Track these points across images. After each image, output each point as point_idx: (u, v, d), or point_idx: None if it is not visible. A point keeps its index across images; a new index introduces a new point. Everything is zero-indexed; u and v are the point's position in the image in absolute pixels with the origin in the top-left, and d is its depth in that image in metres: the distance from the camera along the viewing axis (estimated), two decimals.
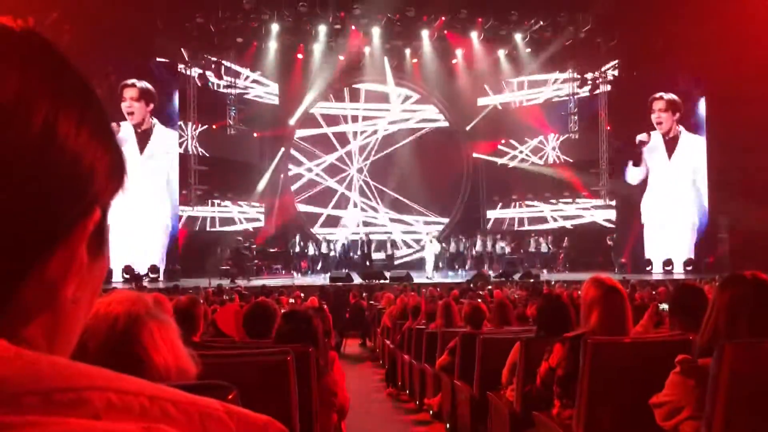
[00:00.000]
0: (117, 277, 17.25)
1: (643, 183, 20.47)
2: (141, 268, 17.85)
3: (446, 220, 24.29)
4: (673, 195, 19.98)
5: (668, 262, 19.39)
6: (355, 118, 24.23)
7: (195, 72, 20.81)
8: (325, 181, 23.79)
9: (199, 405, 0.46)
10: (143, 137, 18.61)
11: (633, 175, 20.56)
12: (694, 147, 20.00)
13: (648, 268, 19.39)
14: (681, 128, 20.08)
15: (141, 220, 18.49)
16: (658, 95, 20.06)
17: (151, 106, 18.66)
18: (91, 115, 0.48)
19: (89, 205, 0.48)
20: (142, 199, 18.47)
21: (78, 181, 0.47)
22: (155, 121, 18.82)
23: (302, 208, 23.68)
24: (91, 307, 0.53)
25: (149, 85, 18.64)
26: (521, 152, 24.02)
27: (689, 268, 19.10)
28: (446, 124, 24.66)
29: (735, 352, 2.05)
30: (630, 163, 20.52)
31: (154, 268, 18.23)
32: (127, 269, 17.59)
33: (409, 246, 23.71)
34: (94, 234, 0.49)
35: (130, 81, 18.39)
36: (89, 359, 1.05)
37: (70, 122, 0.46)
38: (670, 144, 20.17)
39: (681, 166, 20.05)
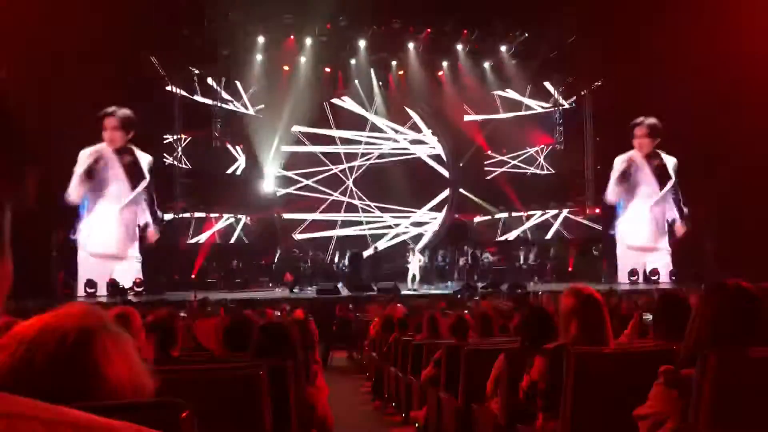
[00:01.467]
0: (102, 291, 17.11)
1: (627, 194, 20.63)
2: (125, 281, 17.69)
3: (433, 215, 24.31)
4: (656, 206, 20.18)
5: (654, 272, 19.47)
6: (344, 140, 24.22)
7: (179, 84, 20.72)
8: (313, 193, 23.70)
9: (102, 428, 0.41)
10: (123, 161, 18.51)
11: (613, 192, 20.73)
12: (670, 168, 20.27)
13: (634, 278, 19.46)
14: (662, 153, 20.27)
15: (123, 233, 18.38)
16: (639, 120, 20.24)
17: (131, 134, 18.46)
18: None
19: None
20: (125, 213, 18.39)
21: None
22: (134, 147, 18.70)
23: (289, 216, 23.56)
24: None
25: (129, 112, 18.41)
26: (507, 163, 24.11)
27: (674, 278, 19.20)
28: (438, 150, 24.71)
29: (718, 361, 2.02)
30: (613, 181, 20.65)
31: (139, 282, 18.05)
32: (112, 282, 17.42)
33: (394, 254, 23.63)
34: None
35: (110, 109, 18.17)
36: (35, 375, 1.00)
37: None
38: (652, 163, 20.42)
39: (663, 182, 20.31)
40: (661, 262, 19.90)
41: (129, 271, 18.19)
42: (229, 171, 22.29)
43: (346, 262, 21.50)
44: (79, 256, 17.83)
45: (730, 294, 2.18)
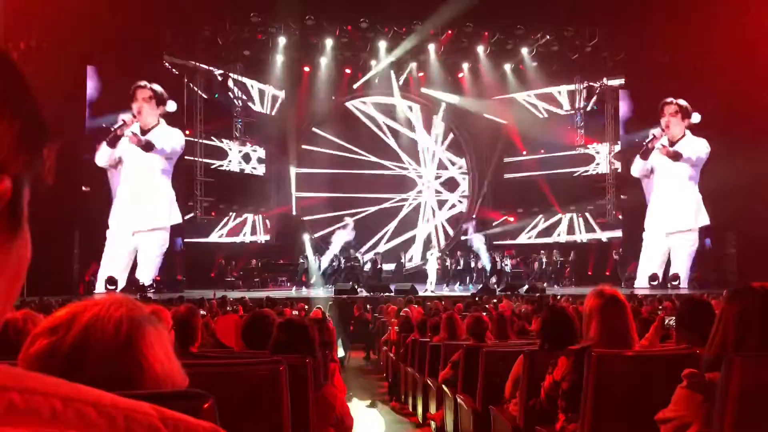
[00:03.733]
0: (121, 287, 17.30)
1: (647, 194, 20.39)
2: (144, 278, 17.90)
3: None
4: (677, 206, 19.83)
5: (675, 277, 19.24)
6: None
7: (202, 84, 20.90)
8: (332, 194, 23.71)
9: (126, 409, 0.41)
10: (148, 135, 18.77)
11: (637, 167, 20.46)
12: (696, 147, 19.86)
13: (654, 283, 19.25)
14: (687, 132, 19.98)
15: (145, 231, 18.55)
16: (669, 100, 19.93)
17: (161, 108, 18.79)
18: None
19: None
20: (148, 208, 18.55)
21: None
22: (162, 121, 18.98)
23: (309, 218, 23.61)
24: (10, 299, 0.47)
25: (160, 88, 18.78)
26: (528, 165, 24.00)
27: (694, 283, 18.97)
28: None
29: (744, 366, 1.98)
30: (638, 156, 20.39)
31: (158, 280, 18.23)
32: (132, 280, 17.62)
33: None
34: (6, 210, 0.44)
35: (142, 83, 18.57)
36: (89, 360, 1.00)
37: None
38: (676, 151, 20.11)
39: (683, 169, 19.95)
40: (685, 263, 19.56)
41: (147, 268, 18.40)
42: (249, 170, 22.40)
43: (367, 263, 21.48)
44: (108, 245, 18.04)
45: (756, 297, 2.13)
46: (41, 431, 0.35)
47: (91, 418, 0.38)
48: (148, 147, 18.48)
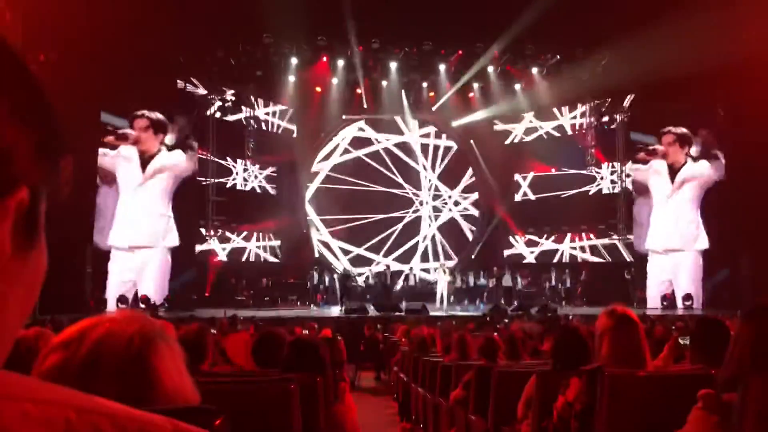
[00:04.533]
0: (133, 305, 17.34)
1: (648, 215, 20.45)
2: (154, 297, 17.98)
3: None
4: (679, 226, 19.85)
5: (687, 297, 19.08)
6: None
7: (214, 104, 21.09)
8: (344, 215, 23.76)
9: (140, 422, 0.41)
10: (148, 161, 18.87)
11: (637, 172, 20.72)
12: (699, 170, 19.91)
13: (665, 303, 19.07)
14: (689, 159, 20.02)
15: (153, 249, 18.61)
16: (666, 129, 20.14)
17: (161, 136, 18.85)
18: (15, 90, 0.44)
19: (9, 183, 0.43)
20: (154, 226, 18.62)
21: None
22: (163, 148, 19.06)
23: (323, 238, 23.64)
24: (26, 310, 0.47)
25: (161, 116, 18.86)
26: (536, 184, 23.97)
27: (702, 303, 18.89)
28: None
29: (761, 387, 1.95)
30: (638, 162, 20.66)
31: (167, 299, 18.29)
32: (144, 298, 17.68)
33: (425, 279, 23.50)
34: (23, 221, 0.44)
35: (139, 112, 18.64)
36: (101, 376, 1.00)
37: None
38: (674, 174, 20.28)
39: (684, 192, 20.00)
40: (689, 271, 19.44)
41: (156, 287, 18.45)
42: (260, 189, 22.50)
43: (374, 281, 21.44)
44: (111, 264, 18.09)
45: None
46: None
47: (105, 430, 0.38)
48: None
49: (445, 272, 19.94)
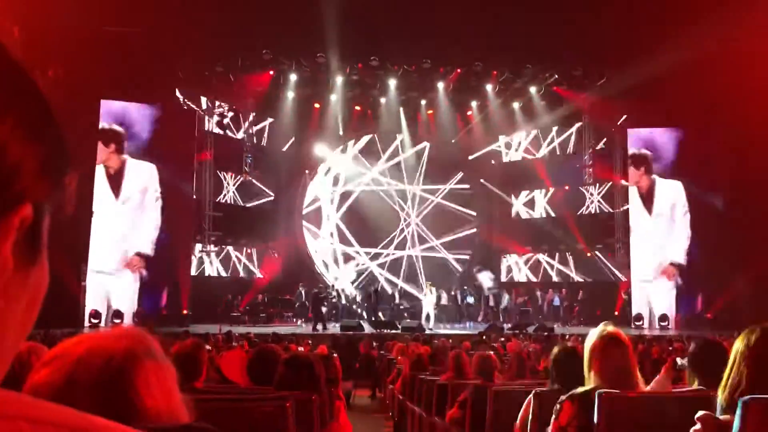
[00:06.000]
0: (128, 321, 17.26)
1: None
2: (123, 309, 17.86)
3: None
4: (661, 248, 20.09)
5: (663, 318, 19.27)
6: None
7: (213, 120, 21.16)
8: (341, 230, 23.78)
9: None
10: (116, 178, 18.46)
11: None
12: (671, 191, 20.18)
13: (663, 323, 19.04)
14: (655, 177, 20.33)
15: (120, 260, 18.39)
16: (631, 152, 20.60)
17: (112, 147, 18.35)
18: (21, 106, 0.43)
19: (14, 199, 0.43)
20: (140, 241, 18.48)
21: None
22: (127, 159, 18.57)
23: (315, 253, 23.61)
24: (26, 327, 0.46)
25: (118, 128, 18.39)
26: (532, 203, 24.05)
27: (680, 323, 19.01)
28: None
29: (759, 409, 1.93)
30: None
31: (161, 313, 18.24)
32: (139, 313, 17.62)
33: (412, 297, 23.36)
34: (26, 237, 0.44)
35: (101, 124, 18.20)
36: (76, 394, 0.99)
37: None
38: (648, 196, 20.50)
39: (662, 213, 20.28)
40: (664, 302, 19.59)
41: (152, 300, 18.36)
42: (257, 205, 22.49)
43: (361, 298, 21.35)
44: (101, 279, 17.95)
45: None
46: None
47: None
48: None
49: (431, 291, 19.75)
